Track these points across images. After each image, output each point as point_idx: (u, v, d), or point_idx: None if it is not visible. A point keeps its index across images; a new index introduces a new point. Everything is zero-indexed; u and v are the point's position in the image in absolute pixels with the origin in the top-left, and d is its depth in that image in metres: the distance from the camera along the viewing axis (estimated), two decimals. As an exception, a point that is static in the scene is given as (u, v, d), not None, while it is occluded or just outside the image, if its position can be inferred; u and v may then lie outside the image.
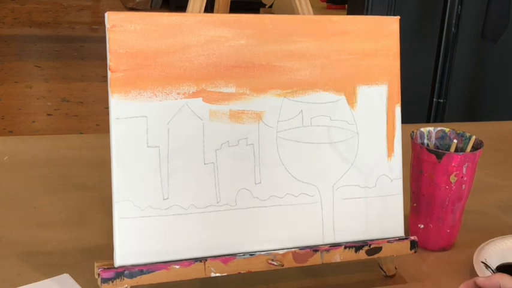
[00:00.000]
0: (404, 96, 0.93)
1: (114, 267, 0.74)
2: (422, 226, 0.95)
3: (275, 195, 0.81)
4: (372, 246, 0.84)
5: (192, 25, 0.76)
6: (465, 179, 0.92)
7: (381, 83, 0.86)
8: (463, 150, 0.96)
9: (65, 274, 0.83)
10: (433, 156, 0.91)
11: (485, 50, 2.61)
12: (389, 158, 0.86)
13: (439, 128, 0.99)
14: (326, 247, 0.82)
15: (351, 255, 0.83)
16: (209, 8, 1.03)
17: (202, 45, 0.77)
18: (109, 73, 0.73)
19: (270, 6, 4.87)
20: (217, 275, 0.77)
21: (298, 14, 0.96)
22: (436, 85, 2.37)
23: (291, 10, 0.99)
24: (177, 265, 0.75)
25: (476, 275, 0.87)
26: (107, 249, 0.78)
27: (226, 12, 1.07)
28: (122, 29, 0.73)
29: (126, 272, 0.73)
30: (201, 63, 0.77)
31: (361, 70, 0.85)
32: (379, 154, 0.86)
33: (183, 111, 0.76)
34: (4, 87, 3.59)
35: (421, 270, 0.92)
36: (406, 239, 0.86)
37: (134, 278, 0.74)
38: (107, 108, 0.74)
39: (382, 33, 0.86)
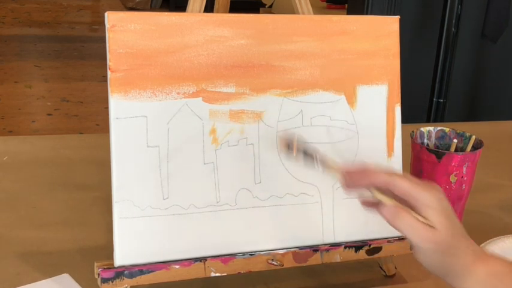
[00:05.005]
0: (404, 96, 0.93)
1: (114, 267, 0.74)
2: (422, 226, 0.95)
3: (275, 195, 0.81)
4: (371, 246, 0.84)
5: (192, 25, 0.76)
6: (465, 178, 0.92)
7: (381, 82, 0.86)
8: (463, 150, 0.96)
9: (65, 274, 0.83)
10: (433, 156, 0.91)
11: (485, 50, 2.60)
12: (389, 158, 0.86)
13: (439, 128, 0.99)
14: (326, 247, 0.82)
15: (351, 255, 0.83)
16: (209, 8, 1.03)
17: (202, 45, 0.77)
18: (109, 73, 0.73)
19: (270, 6, 4.87)
20: (217, 275, 0.77)
21: (298, 14, 0.96)
22: (436, 85, 2.37)
23: (291, 10, 0.98)
24: (177, 265, 0.75)
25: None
26: (107, 249, 0.78)
27: (226, 12, 1.07)
28: (122, 29, 0.73)
29: (126, 271, 0.73)
30: (201, 63, 0.77)
31: (361, 70, 0.85)
32: (379, 154, 0.86)
33: (183, 111, 0.76)
34: (4, 87, 3.58)
35: (421, 270, 0.91)
36: (406, 238, 0.86)
37: (134, 278, 0.74)
38: (107, 108, 0.74)
39: (382, 33, 0.86)
